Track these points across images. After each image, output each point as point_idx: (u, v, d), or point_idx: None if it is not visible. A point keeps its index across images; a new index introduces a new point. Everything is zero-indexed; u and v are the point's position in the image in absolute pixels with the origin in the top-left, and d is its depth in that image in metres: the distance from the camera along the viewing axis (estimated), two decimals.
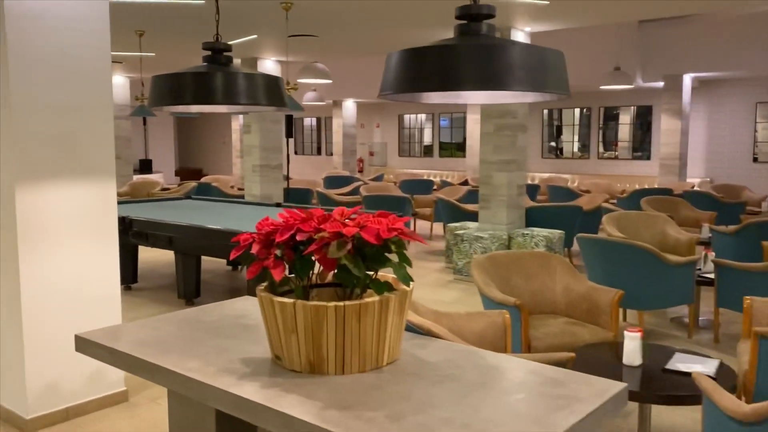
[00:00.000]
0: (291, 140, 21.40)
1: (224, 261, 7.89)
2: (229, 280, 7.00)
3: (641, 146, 15.02)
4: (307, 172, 21.17)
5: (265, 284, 2.08)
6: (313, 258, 2.01)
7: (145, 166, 21.70)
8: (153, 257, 8.18)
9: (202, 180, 12.99)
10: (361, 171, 18.61)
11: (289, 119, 9.45)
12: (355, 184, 11.64)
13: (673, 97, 12.08)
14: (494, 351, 2.29)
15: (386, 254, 1.98)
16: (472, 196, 10.03)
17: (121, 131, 12.29)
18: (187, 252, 5.76)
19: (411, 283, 1.98)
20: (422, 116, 18.60)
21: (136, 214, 6.46)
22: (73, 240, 3.38)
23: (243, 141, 9.76)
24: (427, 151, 18.54)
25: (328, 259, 1.93)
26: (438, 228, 11.17)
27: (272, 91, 2.60)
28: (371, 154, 19.23)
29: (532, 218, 7.54)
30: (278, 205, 7.39)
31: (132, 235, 6.07)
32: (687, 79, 12.09)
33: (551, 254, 4.26)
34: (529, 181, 15.94)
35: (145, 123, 22.15)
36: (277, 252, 2.08)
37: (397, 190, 10.65)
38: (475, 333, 3.15)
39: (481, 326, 3.17)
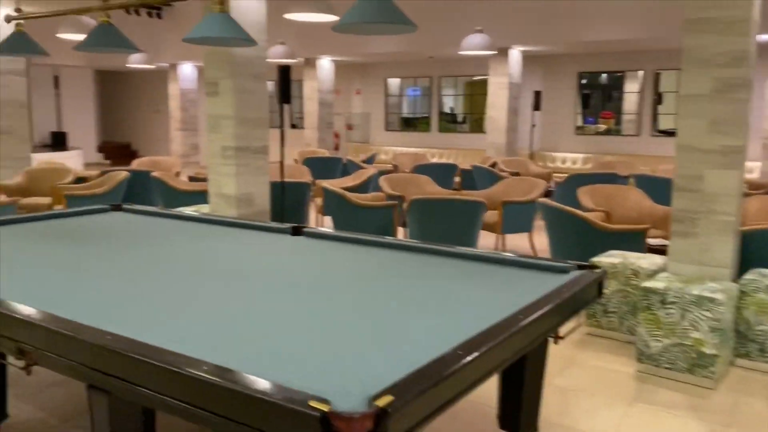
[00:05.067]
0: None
1: None
2: None
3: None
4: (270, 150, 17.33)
5: None
6: None
7: (59, 141, 17.32)
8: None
9: (136, 166, 9.13)
10: (336, 149, 14.97)
11: (285, 73, 5.81)
12: (362, 173, 8.09)
13: None
14: None
15: None
16: (566, 193, 6.72)
17: (12, 92, 8.24)
18: (117, 397, 2.17)
19: None
20: (397, 81, 15.05)
21: None
22: None
23: (207, 108, 6.06)
24: (409, 123, 15.05)
25: None
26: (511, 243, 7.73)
27: None
28: (349, 127, 15.59)
29: (754, 251, 4.25)
30: (296, 230, 3.81)
31: None
32: None
33: None
34: (560, 164, 12.77)
35: (57, 85, 17.68)
36: None
37: (437, 187, 7.18)
38: None
39: None
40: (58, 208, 7.05)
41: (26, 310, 2.19)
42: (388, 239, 3.48)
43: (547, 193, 7.74)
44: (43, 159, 11.70)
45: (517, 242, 7.32)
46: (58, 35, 10.54)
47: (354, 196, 6.33)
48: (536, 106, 11.32)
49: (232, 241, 3.64)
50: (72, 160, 15.20)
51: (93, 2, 3.81)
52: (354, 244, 3.53)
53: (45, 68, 17.01)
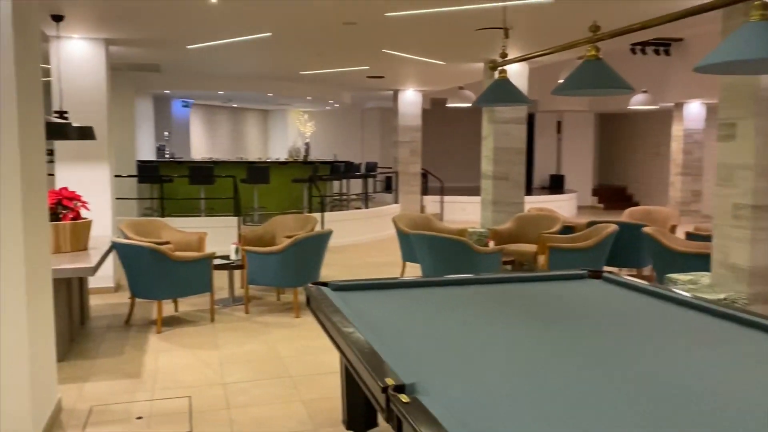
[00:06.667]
0: None
1: None
2: None
3: None
4: None
5: None
6: None
7: (557, 184, 17.95)
8: None
9: (626, 217, 8.35)
10: None
11: None
12: None
13: None
14: None
15: None
16: None
17: (512, 140, 8.54)
18: None
19: None
20: None
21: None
22: None
23: (718, 156, 4.86)
24: None
25: None
26: None
27: None
28: None
29: None
30: None
31: None
32: None
33: None
34: None
35: (560, 130, 18.41)
36: None
37: None
38: None
39: None
40: (541, 261, 6.82)
41: None
42: None
43: None
44: (535, 203, 12.05)
45: None
46: (560, 81, 10.66)
47: None
48: None
49: (746, 359, 2.46)
50: (566, 203, 15.45)
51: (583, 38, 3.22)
52: None
53: (550, 114, 17.89)
